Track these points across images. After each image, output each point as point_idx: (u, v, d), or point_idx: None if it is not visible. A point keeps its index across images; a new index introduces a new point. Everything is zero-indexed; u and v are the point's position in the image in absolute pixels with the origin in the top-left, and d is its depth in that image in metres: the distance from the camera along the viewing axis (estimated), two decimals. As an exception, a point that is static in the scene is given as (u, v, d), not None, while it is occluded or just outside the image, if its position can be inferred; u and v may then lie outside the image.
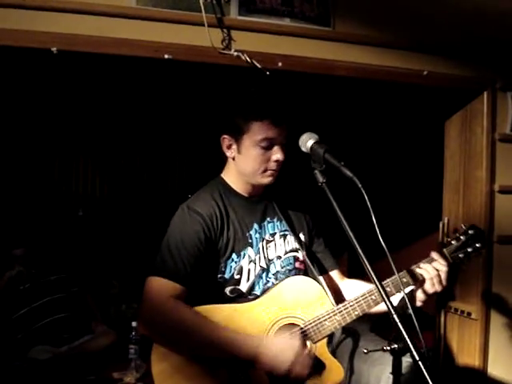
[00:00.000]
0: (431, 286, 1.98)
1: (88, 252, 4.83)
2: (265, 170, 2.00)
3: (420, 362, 1.36)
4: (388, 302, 1.50)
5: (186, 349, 1.87)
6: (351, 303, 1.97)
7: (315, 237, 2.29)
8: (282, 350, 1.85)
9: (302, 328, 1.94)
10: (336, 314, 1.95)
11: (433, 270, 1.97)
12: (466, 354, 3.14)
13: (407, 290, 2.01)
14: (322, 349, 1.96)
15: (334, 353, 2.40)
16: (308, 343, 1.93)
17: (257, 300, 2.00)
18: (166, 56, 2.45)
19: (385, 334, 2.89)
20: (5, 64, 3.02)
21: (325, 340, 1.97)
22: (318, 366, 1.93)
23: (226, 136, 2.04)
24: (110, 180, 5.19)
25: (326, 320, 1.94)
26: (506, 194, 3.06)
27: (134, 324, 3.36)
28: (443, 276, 1.97)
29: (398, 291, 1.96)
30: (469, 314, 3.09)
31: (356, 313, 1.96)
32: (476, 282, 3.05)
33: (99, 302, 4.31)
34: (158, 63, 2.52)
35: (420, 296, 2.01)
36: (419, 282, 2.01)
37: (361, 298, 1.97)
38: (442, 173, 3.35)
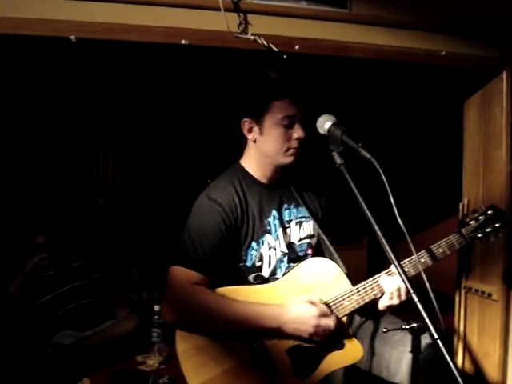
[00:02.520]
0: (389, 300, 1.96)
1: (109, 239, 4.88)
2: (287, 150, 2.02)
3: (439, 341, 1.37)
4: (407, 282, 1.52)
5: (211, 329, 1.91)
6: (369, 283, 1.99)
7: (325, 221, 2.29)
8: (302, 316, 1.89)
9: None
10: (354, 294, 1.98)
11: (393, 284, 1.95)
12: (487, 335, 3.14)
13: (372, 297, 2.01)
14: (341, 327, 1.98)
15: (355, 335, 2.41)
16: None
17: (276, 281, 2.03)
18: (183, 41, 2.45)
19: (405, 316, 2.90)
20: (25, 53, 3.05)
21: (344, 319, 2.00)
22: (337, 345, 1.96)
23: (246, 119, 2.05)
24: (130, 168, 5.22)
25: (344, 300, 1.97)
26: (525, 174, 3.02)
27: (156, 308, 3.41)
28: (403, 291, 1.93)
29: (417, 271, 1.97)
30: (489, 294, 3.07)
31: (374, 292, 1.98)
32: (497, 262, 3.04)
33: (121, 288, 4.37)
34: (175, 49, 2.52)
35: (380, 307, 2.01)
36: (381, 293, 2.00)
37: (379, 278, 2.00)
38: (461, 154, 3.32)
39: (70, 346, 3.49)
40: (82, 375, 3.11)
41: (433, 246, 2.05)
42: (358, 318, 2.48)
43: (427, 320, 1.42)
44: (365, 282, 1.99)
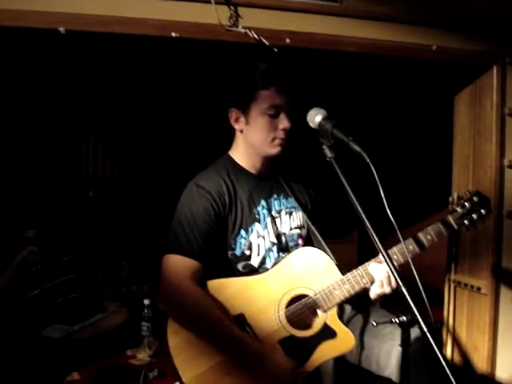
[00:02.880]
0: (379, 288, 1.96)
1: (98, 233, 4.87)
2: (273, 139, 2.03)
3: (428, 333, 1.38)
4: (395, 272, 1.52)
5: (197, 332, 1.91)
6: (359, 271, 1.99)
7: (315, 212, 2.30)
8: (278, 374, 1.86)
9: (311, 298, 1.99)
10: (345, 283, 1.98)
11: (383, 272, 1.95)
12: (476, 329, 3.16)
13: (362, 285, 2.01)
14: (332, 317, 2.00)
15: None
16: (319, 312, 1.99)
17: (267, 272, 2.04)
18: (174, 34, 2.45)
19: (395, 310, 2.90)
20: (13, 45, 3.02)
21: (335, 309, 2.01)
22: (329, 334, 1.97)
23: (233, 109, 2.07)
24: (119, 161, 5.21)
25: (335, 289, 1.98)
26: (515, 168, 3.04)
27: (146, 302, 3.39)
28: (393, 279, 1.89)
29: (405, 259, 1.97)
30: (478, 288, 3.09)
31: (364, 281, 1.99)
32: (485, 256, 3.05)
33: (111, 281, 4.35)
34: (165, 41, 2.51)
35: (372, 295, 2.01)
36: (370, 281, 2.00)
37: (367, 266, 2.00)
38: (451, 148, 3.33)
39: (58, 339, 3.48)
40: (71, 369, 3.10)
41: (420, 233, 2.06)
42: (347, 312, 2.47)
43: (417, 313, 1.42)
44: (354, 271, 2.00)
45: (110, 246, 4.83)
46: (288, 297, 2.00)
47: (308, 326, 2.00)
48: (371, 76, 3.98)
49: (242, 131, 2.09)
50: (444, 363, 1.34)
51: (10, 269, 3.81)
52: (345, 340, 1.99)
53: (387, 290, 1.95)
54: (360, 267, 2.00)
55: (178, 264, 1.92)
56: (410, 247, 2.01)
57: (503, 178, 3.03)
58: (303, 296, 2.01)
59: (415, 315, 1.42)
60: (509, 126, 3.04)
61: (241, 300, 1.96)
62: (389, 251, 1.94)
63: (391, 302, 2.00)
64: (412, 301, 1.45)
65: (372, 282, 1.99)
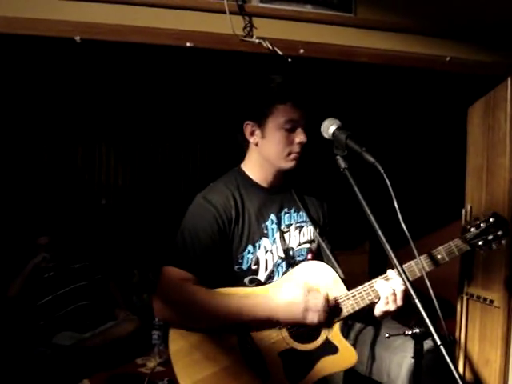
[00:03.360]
0: (384, 305, 1.92)
1: (110, 240, 4.88)
2: (288, 154, 2.02)
3: (442, 347, 1.37)
4: (409, 285, 1.51)
5: (202, 324, 1.92)
6: (365, 288, 1.97)
7: (327, 227, 2.28)
8: (290, 299, 1.89)
9: None
10: (349, 299, 1.96)
11: (388, 289, 1.91)
12: (488, 343, 3.13)
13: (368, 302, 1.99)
14: (335, 332, 1.97)
15: (355, 340, 2.40)
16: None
17: (272, 283, 2.03)
18: (188, 44, 2.45)
19: (406, 322, 2.89)
20: (29, 53, 3.05)
21: (338, 324, 1.98)
22: (331, 350, 1.95)
23: (249, 122, 2.04)
24: (132, 169, 5.23)
25: (339, 304, 1.96)
26: (529, 181, 3.01)
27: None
28: (399, 296, 1.89)
29: (414, 277, 1.95)
30: (491, 301, 3.07)
31: (369, 297, 1.96)
32: (499, 269, 3.03)
33: (122, 289, 4.36)
34: (180, 51, 2.52)
35: (376, 312, 1.97)
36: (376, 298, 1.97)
37: (374, 282, 1.98)
38: (465, 160, 3.32)
39: (69, 347, 3.49)
40: (81, 377, 3.11)
41: (432, 252, 2.03)
42: (358, 324, 2.47)
43: (430, 325, 1.41)
44: (360, 287, 1.98)
45: (121, 254, 4.84)
46: None
47: (310, 340, 1.97)
48: (385, 87, 3.97)
49: (257, 144, 2.06)
50: (457, 377, 1.33)
51: (21, 276, 3.83)
52: (346, 356, 1.96)
53: (392, 307, 1.91)
54: (366, 284, 1.98)
55: (173, 275, 1.92)
56: (420, 266, 1.99)
57: (517, 190, 3.01)
58: None
59: (429, 328, 1.41)
60: (523, 138, 3.02)
61: None
62: (404, 265, 1.91)
63: (403, 314, 1.98)
64: (425, 313, 1.44)
65: (378, 299, 1.96)
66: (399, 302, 1.90)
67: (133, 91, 4.54)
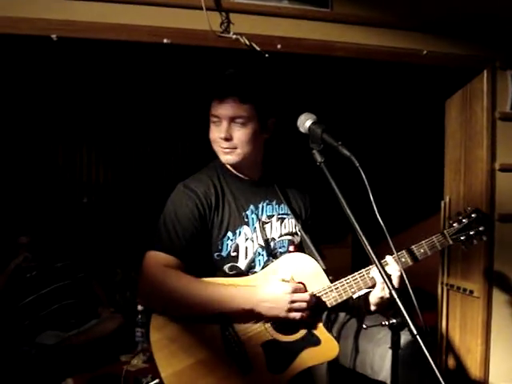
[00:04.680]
0: (381, 290, 1.95)
1: (92, 239, 4.86)
2: (217, 148, 2.08)
3: (418, 337, 1.39)
4: (387, 279, 1.53)
5: (184, 311, 1.93)
6: (347, 280, 1.99)
7: (309, 220, 2.30)
8: (275, 294, 1.91)
9: None
10: (332, 291, 1.98)
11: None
12: (469, 332, 3.16)
13: (362, 292, 2.02)
14: (318, 325, 2.00)
15: (339, 333, 2.41)
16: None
17: (255, 275, 2.05)
18: (165, 40, 2.45)
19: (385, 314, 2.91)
20: (6, 52, 3.03)
21: (321, 316, 2.01)
22: (313, 341, 1.97)
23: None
24: (113, 167, 5.20)
25: (321, 296, 1.98)
26: (506, 172, 3.05)
27: (140, 307, 3.40)
28: (395, 281, 1.90)
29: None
30: (471, 291, 3.10)
31: (352, 290, 1.99)
32: (478, 260, 3.06)
33: (105, 288, 4.35)
34: (157, 48, 2.52)
35: (372, 300, 2.00)
36: (371, 285, 2.00)
37: (357, 275, 2.00)
38: (443, 153, 3.35)
39: (53, 346, 3.48)
40: (65, 375, 3.10)
41: (414, 246, 2.05)
42: (342, 316, 2.48)
43: (406, 316, 1.43)
44: (343, 279, 2.00)
45: (103, 252, 4.82)
46: None
47: (292, 332, 1.99)
48: (362, 81, 3.99)
49: None
50: (434, 366, 1.35)
51: (3, 276, 3.80)
52: (328, 348, 1.99)
53: (388, 293, 1.94)
54: (356, 273, 2.00)
55: (156, 259, 1.94)
56: (403, 260, 2.01)
57: (494, 181, 3.04)
58: None
59: (405, 318, 1.43)
60: (500, 130, 3.05)
61: None
62: (383, 261, 1.94)
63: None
64: (402, 304, 1.46)
65: (372, 286, 1.98)
66: (397, 286, 1.90)
67: (113, 89, 4.52)
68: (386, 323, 1.69)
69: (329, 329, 2.10)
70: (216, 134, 2.05)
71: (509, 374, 3.09)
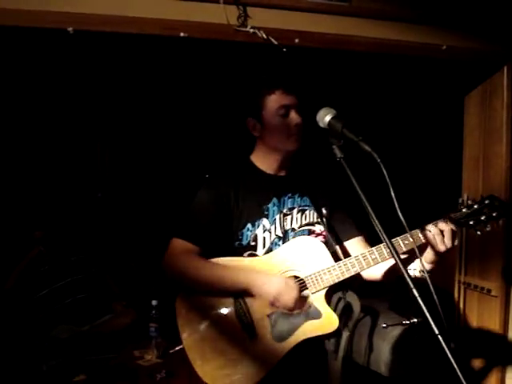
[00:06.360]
0: (434, 246, 1.98)
1: (106, 234, 4.86)
2: (289, 137, 2.15)
3: (439, 336, 1.36)
4: (399, 262, 1.54)
5: (197, 287, 2.14)
6: (351, 260, 2.05)
7: (337, 208, 2.33)
8: (268, 282, 2.06)
9: (301, 279, 2.09)
10: (335, 269, 2.05)
11: (435, 229, 1.97)
12: (486, 331, 3.13)
13: (416, 264, 2.04)
14: (319, 299, 2.07)
15: (353, 331, 2.41)
16: (307, 293, 2.08)
17: (267, 255, 2.17)
18: (182, 34, 2.45)
19: (404, 312, 2.89)
20: (23, 45, 3.02)
21: (323, 292, 2.07)
22: (315, 315, 2.06)
23: (249, 118, 2.21)
24: (129, 162, 5.20)
25: (325, 274, 2.06)
26: (526, 169, 3.01)
27: (153, 302, 3.39)
28: (447, 235, 1.96)
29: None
30: (489, 290, 3.07)
31: (355, 269, 2.03)
32: (496, 258, 3.03)
33: (118, 282, 4.35)
34: (173, 41, 2.51)
35: (427, 256, 2.02)
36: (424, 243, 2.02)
37: (360, 256, 2.04)
38: (461, 149, 3.31)
39: (66, 340, 3.48)
40: (78, 370, 3.10)
41: (422, 228, 2.03)
42: (356, 314, 2.47)
43: (428, 315, 1.40)
44: (346, 259, 2.06)
45: (117, 246, 4.82)
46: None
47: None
48: (381, 76, 3.96)
49: (260, 137, 2.22)
50: (455, 365, 1.33)
51: (17, 270, 3.81)
52: (328, 321, 2.05)
53: (441, 248, 1.97)
54: (353, 256, 2.06)
55: (178, 245, 2.15)
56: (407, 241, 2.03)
57: (514, 178, 3.00)
58: (295, 278, 2.11)
59: (426, 317, 1.40)
60: (519, 126, 3.01)
61: None
62: (392, 240, 1.95)
63: (399, 305, 1.98)
64: (423, 303, 1.44)
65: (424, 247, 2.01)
66: (448, 242, 1.97)
67: (128, 85, 4.51)
68: (407, 322, 1.67)
69: (343, 325, 2.11)
70: (292, 121, 2.13)
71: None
